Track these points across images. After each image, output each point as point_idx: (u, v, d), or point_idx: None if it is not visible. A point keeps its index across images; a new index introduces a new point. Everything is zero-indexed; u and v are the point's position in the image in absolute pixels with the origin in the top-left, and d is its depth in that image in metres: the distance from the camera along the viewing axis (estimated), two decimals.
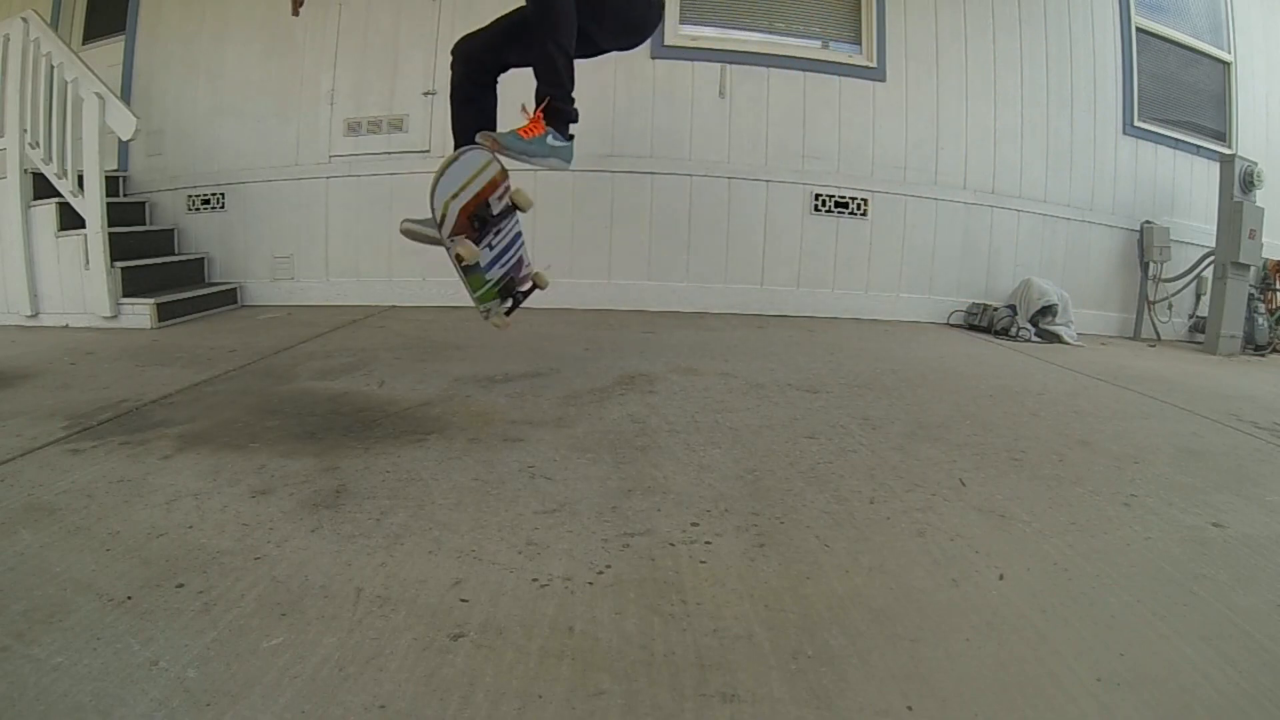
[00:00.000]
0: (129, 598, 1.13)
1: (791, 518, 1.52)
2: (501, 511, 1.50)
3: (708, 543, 1.39)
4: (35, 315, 3.86)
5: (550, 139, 2.30)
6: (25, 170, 3.81)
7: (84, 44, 4.92)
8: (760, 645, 1.06)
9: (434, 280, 4.55)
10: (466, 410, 2.25)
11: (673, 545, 1.37)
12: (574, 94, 2.34)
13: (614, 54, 4.39)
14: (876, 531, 1.47)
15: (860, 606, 1.17)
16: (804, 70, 4.48)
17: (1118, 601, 1.22)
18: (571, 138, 2.39)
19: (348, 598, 1.14)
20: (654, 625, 1.10)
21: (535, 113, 2.28)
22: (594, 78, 4.45)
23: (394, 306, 4.48)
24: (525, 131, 2.26)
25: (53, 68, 3.72)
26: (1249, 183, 4.61)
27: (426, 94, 4.45)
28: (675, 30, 4.44)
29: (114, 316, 3.76)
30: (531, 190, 4.43)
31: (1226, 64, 5.23)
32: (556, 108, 2.28)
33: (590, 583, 1.22)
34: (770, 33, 4.52)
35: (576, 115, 2.39)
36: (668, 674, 0.98)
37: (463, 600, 1.15)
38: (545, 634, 1.06)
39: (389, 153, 4.50)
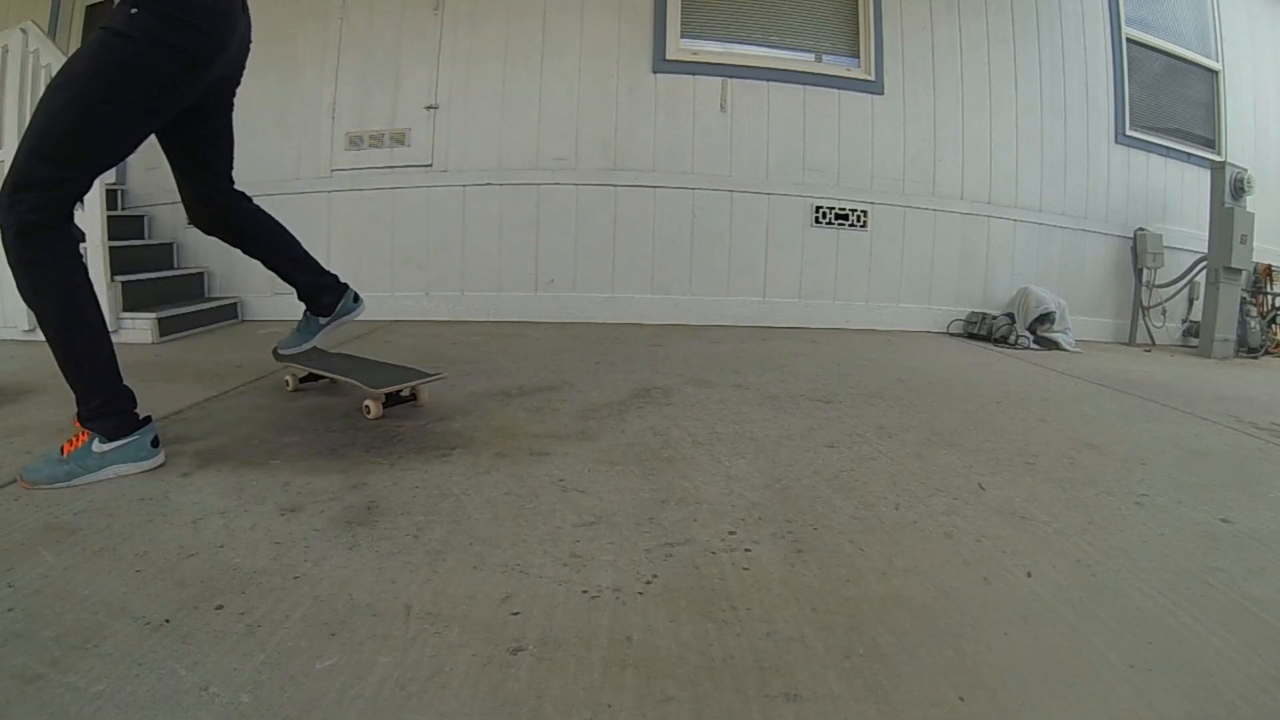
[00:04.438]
0: (167, 620, 1.10)
1: (824, 524, 1.54)
2: (540, 525, 1.50)
3: (747, 550, 1.40)
4: (33, 330, 3.80)
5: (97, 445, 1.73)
6: None
7: None
8: (813, 646, 1.08)
9: (437, 295, 4.55)
10: (487, 424, 2.24)
11: (714, 554, 1.38)
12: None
13: (615, 67, 4.47)
14: (906, 535, 1.50)
15: (901, 606, 1.20)
16: (803, 84, 4.54)
17: (1140, 594, 1.27)
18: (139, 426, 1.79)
19: (397, 615, 1.13)
20: (709, 631, 1.11)
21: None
22: (596, 91, 4.51)
23: (397, 321, 4.47)
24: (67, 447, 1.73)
25: None
26: (1239, 189, 4.70)
27: (429, 108, 4.46)
28: (676, 45, 4.49)
29: (114, 331, 3.71)
30: (534, 204, 4.50)
31: (1215, 72, 5.35)
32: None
33: (640, 592, 1.22)
34: (770, 47, 4.58)
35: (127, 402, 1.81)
36: (730, 677, 0.99)
37: (515, 614, 1.14)
38: (604, 644, 1.06)
39: (391, 166, 4.50)
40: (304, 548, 1.37)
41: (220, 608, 1.15)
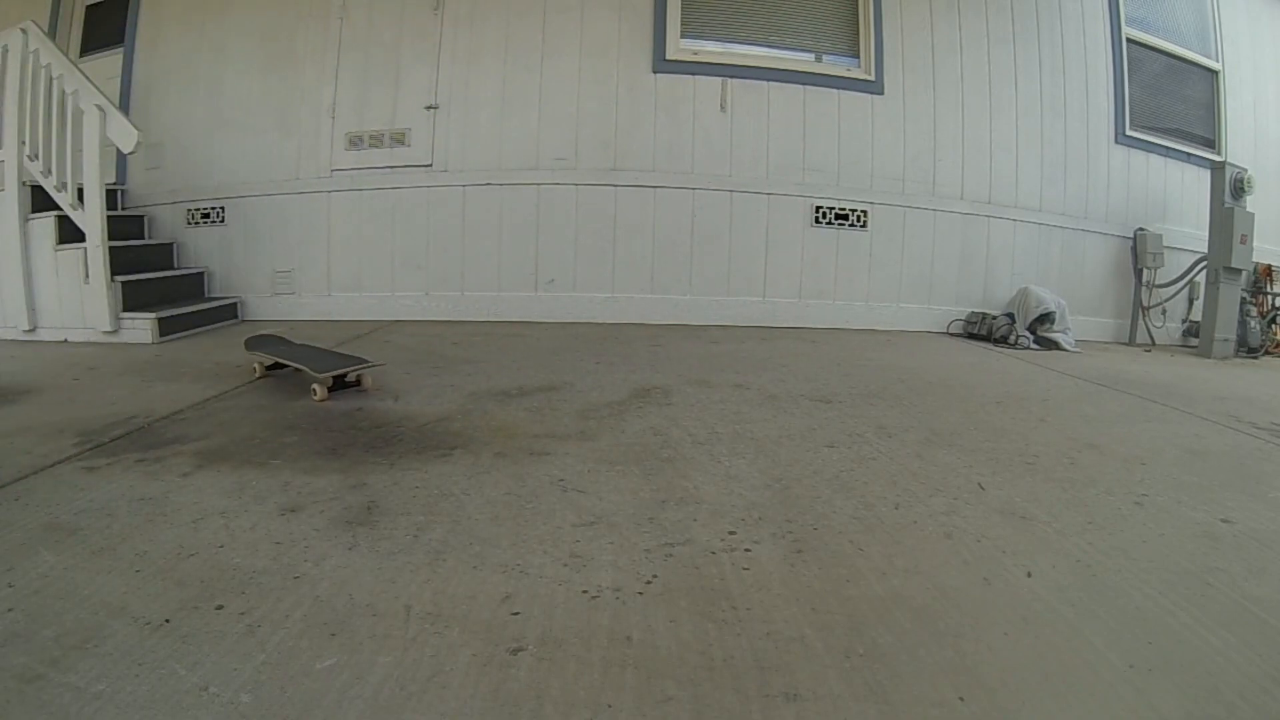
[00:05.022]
0: (167, 620, 1.11)
1: (824, 524, 1.54)
2: (539, 525, 1.50)
3: (747, 550, 1.40)
4: (33, 330, 3.81)
5: None
6: (24, 182, 3.77)
7: (82, 56, 4.89)
8: (813, 646, 1.08)
9: (437, 295, 4.55)
10: (487, 425, 2.24)
11: (714, 554, 1.38)
12: None
13: (615, 67, 4.46)
14: (906, 535, 1.50)
15: (901, 606, 1.20)
16: (803, 84, 4.53)
17: (1140, 594, 1.27)
18: None
19: (397, 616, 1.13)
20: (709, 631, 1.11)
21: None
22: (596, 91, 4.50)
23: (397, 321, 4.47)
24: None
25: (52, 79, 3.69)
26: (1239, 189, 4.69)
27: (429, 108, 4.46)
28: (677, 44, 4.48)
29: (114, 331, 3.72)
30: (534, 204, 4.50)
31: (1215, 72, 5.34)
32: None
33: (640, 592, 1.22)
34: (770, 47, 4.57)
35: None
36: (730, 677, 0.99)
37: (515, 614, 1.14)
38: (604, 644, 1.06)
39: (391, 167, 4.50)
40: (304, 548, 1.37)
41: (220, 608, 1.15)
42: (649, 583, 1.26)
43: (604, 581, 1.26)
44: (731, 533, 1.48)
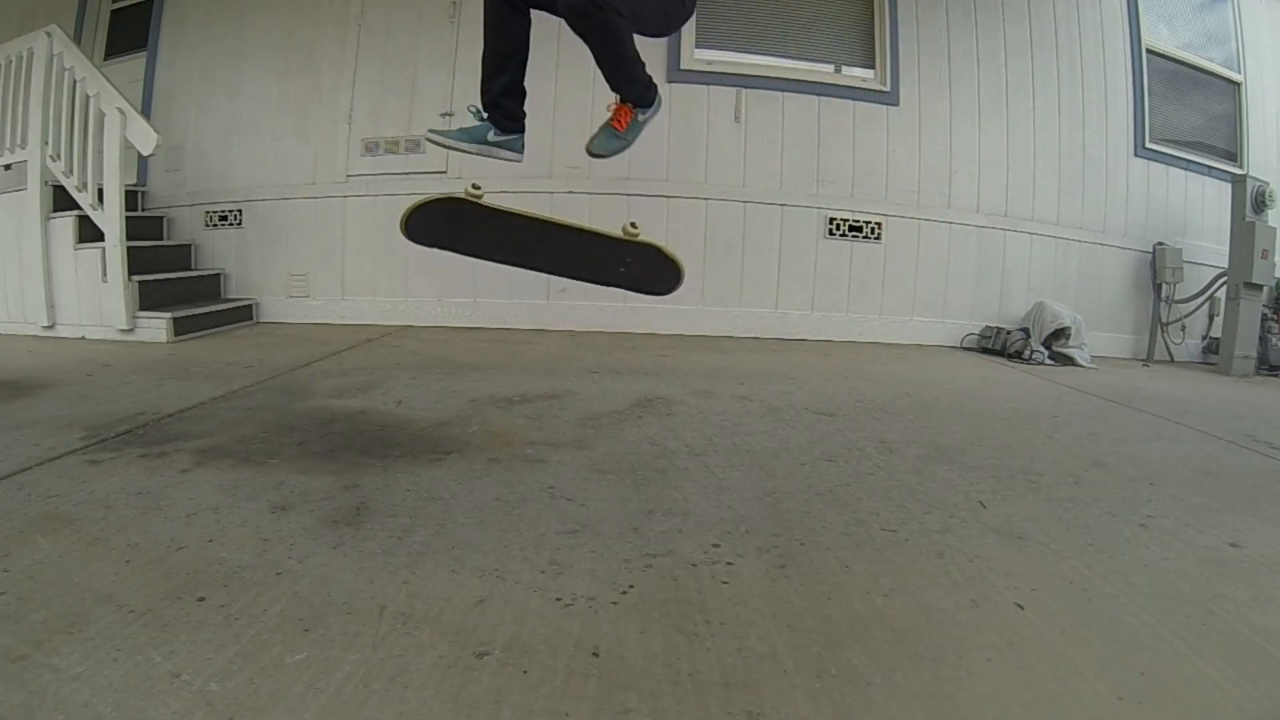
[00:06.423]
0: (149, 610, 1.13)
1: (811, 539, 1.52)
2: (524, 531, 1.50)
3: (729, 564, 1.38)
4: (52, 326, 3.90)
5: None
6: (46, 182, 3.87)
7: (106, 60, 5.01)
8: (784, 664, 1.06)
9: (450, 301, 4.58)
10: (485, 430, 2.25)
11: (695, 566, 1.37)
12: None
13: None
14: (895, 553, 1.47)
15: (882, 626, 1.17)
16: (818, 94, 4.51)
17: (1137, 621, 1.22)
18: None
19: (371, 615, 1.14)
20: (679, 645, 1.09)
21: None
22: (607, 99, 4.50)
23: (409, 326, 4.51)
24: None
25: (75, 82, 3.78)
26: (1261, 203, 4.61)
27: (444, 115, 4.50)
28: (691, 54, 4.49)
29: (131, 329, 3.79)
30: (547, 212, 4.50)
31: (1236, 84, 5.26)
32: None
33: (614, 602, 1.22)
34: (785, 57, 4.56)
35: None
36: (694, 693, 0.98)
37: (487, 619, 1.14)
38: (571, 653, 1.06)
39: (406, 173, 4.54)
40: (290, 545, 1.39)
41: (202, 599, 1.17)
42: (624, 593, 1.25)
43: (579, 590, 1.25)
44: (715, 545, 1.46)
